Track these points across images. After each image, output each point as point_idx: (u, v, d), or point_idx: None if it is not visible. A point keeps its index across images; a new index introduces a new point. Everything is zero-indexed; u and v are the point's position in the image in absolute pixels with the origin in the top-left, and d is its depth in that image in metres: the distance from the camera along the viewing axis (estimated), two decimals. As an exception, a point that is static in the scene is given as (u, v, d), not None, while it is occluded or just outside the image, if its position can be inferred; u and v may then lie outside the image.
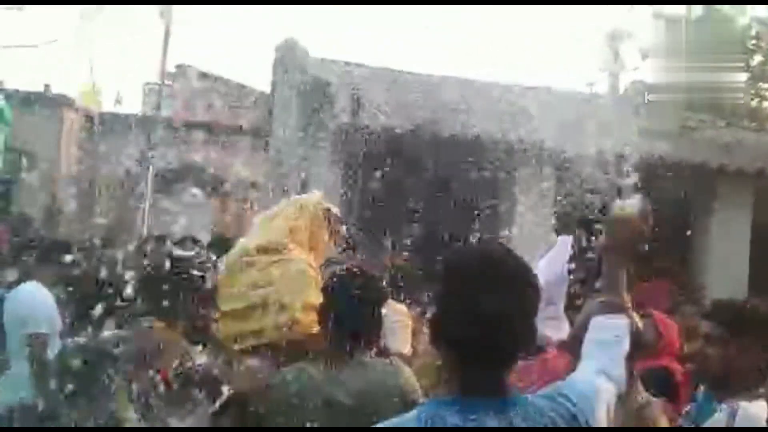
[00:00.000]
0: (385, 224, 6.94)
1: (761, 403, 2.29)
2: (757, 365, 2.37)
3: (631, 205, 1.94)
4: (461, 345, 1.56)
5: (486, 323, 1.53)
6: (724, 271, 7.80)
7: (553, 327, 2.84)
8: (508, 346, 1.58)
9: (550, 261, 3.01)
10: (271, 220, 3.07)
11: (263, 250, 2.91)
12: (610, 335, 1.85)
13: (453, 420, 1.51)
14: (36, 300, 4.56)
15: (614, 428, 1.76)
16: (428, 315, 1.73)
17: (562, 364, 2.54)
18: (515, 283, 1.59)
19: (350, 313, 2.50)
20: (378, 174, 6.97)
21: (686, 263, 8.11)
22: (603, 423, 1.65)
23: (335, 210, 3.20)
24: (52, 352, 4.18)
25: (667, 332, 4.45)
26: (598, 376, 1.73)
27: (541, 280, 2.86)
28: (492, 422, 1.51)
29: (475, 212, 8.08)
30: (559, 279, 2.98)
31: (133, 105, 20.81)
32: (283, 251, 2.90)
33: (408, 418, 1.59)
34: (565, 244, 3.06)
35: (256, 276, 2.86)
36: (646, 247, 1.95)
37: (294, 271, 2.84)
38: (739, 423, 2.23)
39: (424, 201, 7.17)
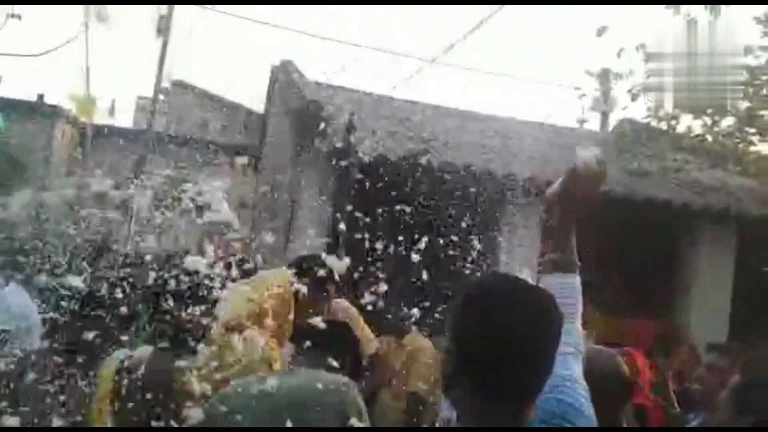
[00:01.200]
0: (374, 250, 6.99)
1: None
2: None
3: (589, 156, 1.81)
4: (485, 378, 1.50)
5: (512, 356, 1.48)
6: (706, 310, 7.90)
7: None
8: (533, 379, 1.53)
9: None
10: (238, 296, 3.06)
11: (229, 327, 2.92)
12: (563, 296, 1.75)
13: None
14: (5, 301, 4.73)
15: (614, 428, 1.80)
16: (446, 346, 1.59)
17: None
18: (541, 314, 1.53)
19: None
20: (368, 200, 7.04)
21: (670, 303, 8.20)
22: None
23: (303, 288, 3.19)
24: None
25: (642, 369, 4.59)
26: (576, 361, 1.72)
27: None
28: None
29: (465, 242, 8.15)
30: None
31: (125, 118, 20.85)
32: (244, 332, 2.91)
33: None
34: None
35: (219, 353, 2.89)
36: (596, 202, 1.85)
37: (254, 356, 2.88)
38: None
39: (414, 229, 7.23)
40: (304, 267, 3.53)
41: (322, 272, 3.31)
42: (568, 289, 1.79)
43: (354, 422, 2.55)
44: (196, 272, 3.02)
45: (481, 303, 1.52)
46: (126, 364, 2.70)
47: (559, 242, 1.83)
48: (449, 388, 1.57)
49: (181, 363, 2.73)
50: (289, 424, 2.47)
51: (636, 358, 4.66)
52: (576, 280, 1.82)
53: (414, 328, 5.83)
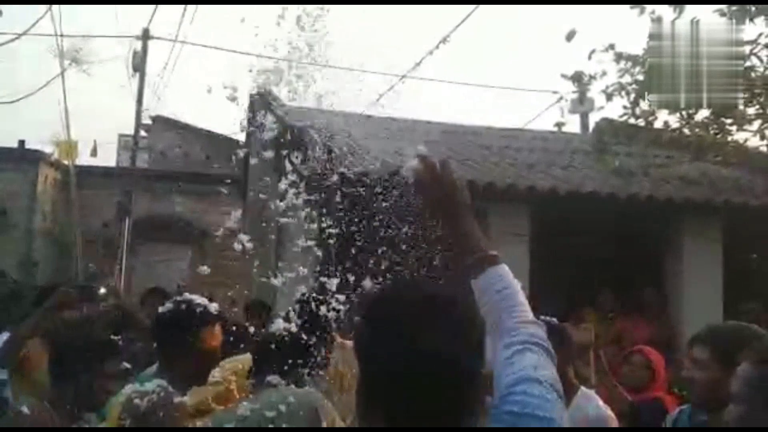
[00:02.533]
0: (361, 270, 6.99)
1: None
2: None
3: (413, 164, 1.81)
4: (401, 406, 1.30)
5: (431, 379, 1.29)
6: (698, 303, 7.92)
7: None
8: (459, 400, 1.33)
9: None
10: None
11: (198, 411, 2.92)
12: (497, 291, 1.65)
13: None
14: None
15: (615, 428, 1.72)
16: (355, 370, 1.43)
17: None
18: (459, 324, 1.35)
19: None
20: (353, 221, 7.04)
21: (659, 297, 8.22)
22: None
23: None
24: None
25: (657, 366, 4.62)
26: (521, 356, 1.53)
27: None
28: None
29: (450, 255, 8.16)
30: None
31: (109, 157, 20.82)
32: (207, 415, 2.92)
33: None
34: None
35: None
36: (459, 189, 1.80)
37: None
38: None
39: (400, 248, 7.23)
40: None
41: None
42: (498, 283, 1.65)
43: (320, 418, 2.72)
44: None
45: (386, 320, 1.35)
46: (134, 395, 2.72)
47: (463, 246, 1.73)
48: (362, 416, 1.38)
49: (182, 399, 2.76)
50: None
51: (650, 355, 4.70)
52: (502, 269, 1.68)
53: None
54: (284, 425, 2.65)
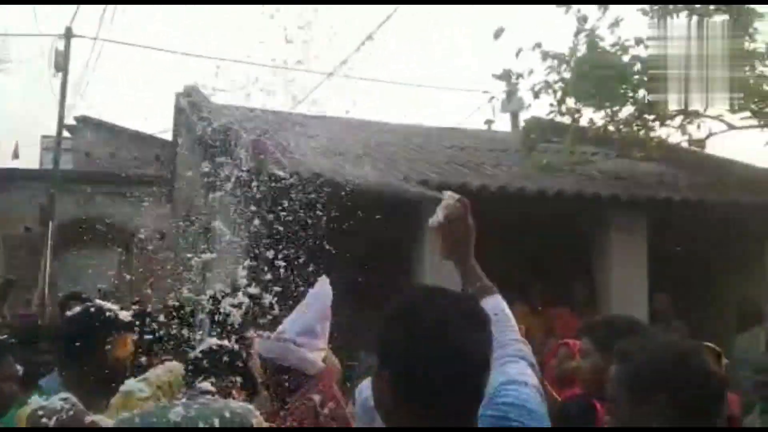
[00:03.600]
0: (290, 272, 6.90)
1: None
2: None
3: (446, 202, 2.08)
4: (431, 398, 1.44)
5: (456, 371, 1.43)
6: (624, 296, 8.09)
7: (318, 358, 3.36)
8: (479, 390, 1.50)
9: (317, 298, 3.48)
10: (131, 397, 2.95)
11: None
12: (494, 314, 1.83)
13: None
14: None
15: (618, 428, 1.81)
16: (378, 369, 1.51)
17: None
18: (476, 322, 1.51)
19: None
20: (283, 220, 6.94)
21: (588, 291, 8.36)
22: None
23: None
24: None
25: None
26: (514, 364, 1.81)
27: (312, 315, 3.40)
28: None
29: (390, 254, 8.15)
30: (326, 314, 3.48)
31: (32, 159, 20.13)
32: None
33: None
34: (325, 282, 3.55)
35: None
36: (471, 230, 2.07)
37: None
38: None
39: (330, 247, 7.17)
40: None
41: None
42: (496, 309, 1.94)
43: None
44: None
45: (415, 320, 1.48)
46: (39, 412, 2.55)
47: (468, 277, 2.03)
48: (388, 413, 1.50)
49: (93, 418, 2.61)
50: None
51: (575, 348, 4.70)
52: (497, 298, 2.01)
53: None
54: None
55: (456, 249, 2.06)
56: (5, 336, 4.31)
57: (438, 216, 2.05)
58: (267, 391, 3.38)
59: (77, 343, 2.69)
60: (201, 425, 2.53)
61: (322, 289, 3.53)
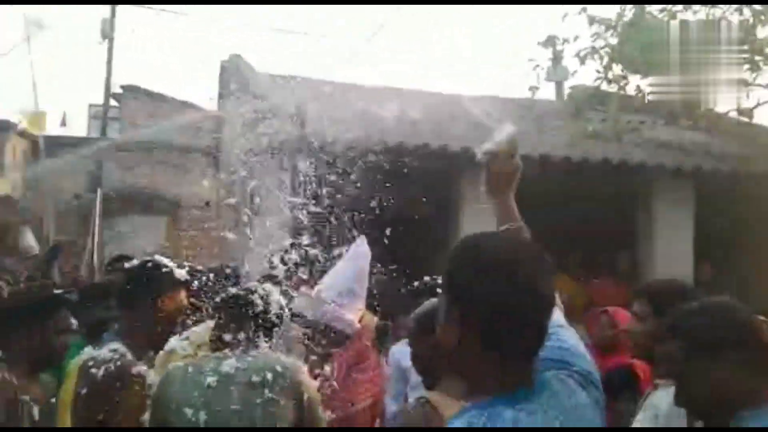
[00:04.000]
0: (335, 237, 6.96)
1: None
2: None
3: (499, 139, 2.01)
4: (503, 341, 1.45)
5: (528, 313, 1.45)
6: (669, 267, 7.98)
7: (355, 318, 3.41)
8: (544, 332, 1.51)
9: (356, 258, 3.39)
10: (175, 354, 3.13)
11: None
12: None
13: (506, 413, 1.41)
14: None
15: (627, 428, 1.81)
16: (448, 316, 1.49)
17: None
18: (544, 264, 1.51)
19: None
20: (327, 187, 7.00)
21: (631, 262, 8.28)
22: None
23: None
24: None
25: (623, 327, 4.59)
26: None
27: (351, 275, 3.41)
28: (537, 410, 1.44)
29: (426, 222, 8.16)
30: (364, 274, 3.53)
31: (80, 127, 20.51)
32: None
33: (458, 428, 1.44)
34: (363, 241, 3.60)
35: None
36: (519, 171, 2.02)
37: None
38: None
39: (372, 213, 7.21)
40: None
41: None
42: None
43: (309, 404, 2.67)
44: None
45: (485, 257, 1.48)
46: (90, 363, 2.64)
47: (505, 216, 1.97)
48: (456, 359, 1.51)
49: (140, 369, 2.69)
50: (247, 405, 2.55)
51: (616, 316, 4.66)
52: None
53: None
54: (267, 393, 2.58)
55: (499, 186, 2.00)
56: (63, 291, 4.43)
57: (490, 146, 2.00)
58: (305, 347, 3.43)
59: (135, 294, 2.75)
60: (254, 378, 2.58)
61: (361, 248, 3.55)
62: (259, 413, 2.55)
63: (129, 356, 2.58)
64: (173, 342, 3.08)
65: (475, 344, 1.46)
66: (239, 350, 2.68)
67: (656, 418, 2.51)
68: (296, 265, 3.90)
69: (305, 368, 2.79)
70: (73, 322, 2.84)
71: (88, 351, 2.75)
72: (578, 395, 1.52)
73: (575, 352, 1.64)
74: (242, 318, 2.74)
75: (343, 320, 3.37)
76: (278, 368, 2.64)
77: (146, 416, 2.55)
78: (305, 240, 3.79)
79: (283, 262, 3.63)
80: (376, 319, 4.04)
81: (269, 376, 2.60)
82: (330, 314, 3.34)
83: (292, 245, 3.77)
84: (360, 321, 3.55)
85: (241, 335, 2.72)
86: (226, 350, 2.69)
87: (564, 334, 1.69)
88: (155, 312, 2.75)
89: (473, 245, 1.55)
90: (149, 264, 2.86)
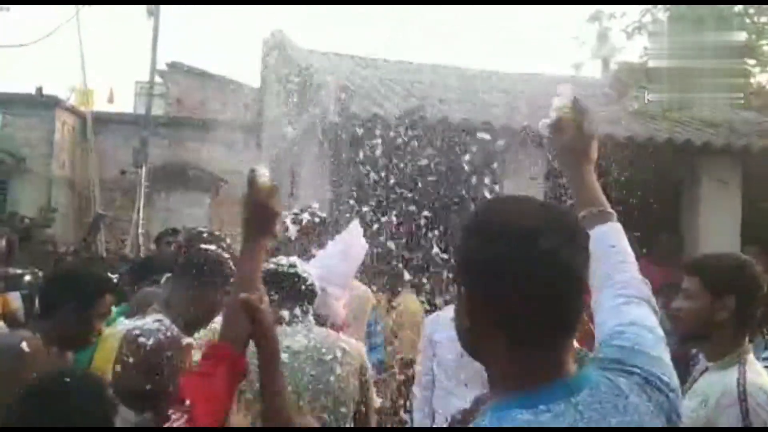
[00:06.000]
0: (376, 213, 6.99)
1: None
2: None
3: (561, 103, 1.77)
4: (530, 323, 1.22)
5: (558, 291, 1.22)
6: (714, 250, 7.81)
7: (342, 308, 3.19)
8: (576, 316, 1.27)
9: (349, 244, 3.32)
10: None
11: None
12: (608, 246, 1.59)
13: (523, 416, 1.19)
14: None
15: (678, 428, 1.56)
16: (469, 292, 1.26)
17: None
18: (579, 234, 1.27)
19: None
20: (368, 163, 7.01)
21: (674, 244, 8.13)
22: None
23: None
24: None
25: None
26: (638, 307, 1.49)
27: (347, 263, 3.23)
28: (567, 410, 1.21)
29: (467, 198, 8.12)
30: (357, 260, 3.33)
31: (126, 104, 20.80)
32: None
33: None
34: (356, 227, 3.37)
35: None
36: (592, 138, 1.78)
37: None
38: None
39: (415, 188, 7.21)
40: None
41: None
42: (612, 238, 1.63)
43: (369, 385, 2.71)
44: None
45: (498, 228, 1.24)
46: (136, 332, 2.63)
47: (582, 197, 1.71)
48: (479, 341, 1.27)
49: (189, 341, 2.69)
50: (313, 381, 2.55)
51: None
52: (615, 226, 1.66)
53: (408, 288, 5.77)
54: (338, 369, 2.57)
55: (568, 158, 1.74)
56: (111, 270, 4.52)
57: (551, 117, 1.76)
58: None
59: (202, 276, 2.74)
60: (326, 355, 2.57)
61: (354, 233, 3.36)
62: (331, 389, 2.56)
63: (175, 329, 2.58)
64: (218, 321, 3.06)
65: (486, 328, 1.24)
66: (301, 326, 2.66)
67: (704, 405, 2.33)
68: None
69: (364, 349, 2.78)
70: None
71: (125, 321, 2.74)
72: (632, 398, 1.27)
73: (639, 351, 1.36)
74: (293, 294, 2.72)
75: (333, 310, 3.22)
76: (345, 346, 2.64)
77: None
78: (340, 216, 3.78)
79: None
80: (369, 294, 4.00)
81: (338, 353, 2.60)
82: (322, 303, 3.20)
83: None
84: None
85: (297, 311, 2.70)
86: (285, 327, 2.64)
87: (634, 332, 1.41)
88: (212, 295, 2.71)
89: (486, 209, 1.34)
90: (223, 250, 2.87)
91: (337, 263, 3.21)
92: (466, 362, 2.59)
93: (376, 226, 6.54)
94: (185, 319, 2.69)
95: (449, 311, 4.33)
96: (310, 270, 2.90)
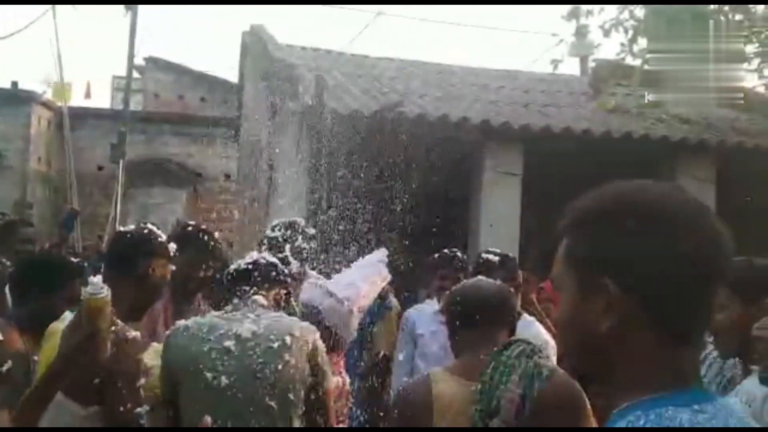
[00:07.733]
0: (351, 207, 6.98)
1: None
2: None
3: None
4: (678, 318, 1.13)
5: (705, 286, 1.14)
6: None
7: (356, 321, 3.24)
8: (710, 312, 1.19)
9: (369, 265, 3.39)
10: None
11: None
12: None
13: (684, 415, 1.09)
14: None
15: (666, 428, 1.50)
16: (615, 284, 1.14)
17: None
18: (711, 215, 1.18)
19: None
20: (345, 157, 7.00)
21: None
22: None
23: None
24: None
25: None
26: None
27: (367, 287, 3.23)
28: (718, 411, 1.12)
29: (443, 192, 8.14)
30: (376, 286, 3.37)
31: (103, 99, 20.62)
32: None
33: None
34: (382, 254, 3.43)
35: None
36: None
37: None
38: None
39: (389, 183, 7.21)
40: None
41: None
42: None
43: (323, 367, 2.65)
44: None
45: (643, 214, 1.14)
46: None
47: None
48: (619, 343, 1.15)
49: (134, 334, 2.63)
50: (259, 368, 2.52)
51: None
52: None
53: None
54: (286, 356, 2.53)
55: None
56: (78, 260, 4.47)
57: None
58: None
59: (122, 258, 2.65)
60: (273, 342, 2.54)
61: (379, 260, 3.38)
62: (278, 377, 2.53)
63: (120, 323, 2.49)
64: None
65: (636, 328, 1.13)
66: (253, 314, 2.64)
67: (748, 405, 2.21)
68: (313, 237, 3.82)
69: (317, 333, 2.75)
70: None
71: (67, 316, 2.69)
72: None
73: None
74: (247, 281, 2.72)
75: (349, 327, 3.18)
76: (296, 332, 2.61)
77: (142, 382, 2.47)
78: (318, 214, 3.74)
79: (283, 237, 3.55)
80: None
81: (288, 339, 2.57)
82: (340, 315, 3.16)
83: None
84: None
85: (248, 299, 2.69)
86: (236, 313, 2.64)
87: None
88: (138, 278, 2.61)
89: (621, 199, 1.20)
90: (144, 230, 2.73)
91: (359, 286, 3.21)
92: (449, 354, 2.59)
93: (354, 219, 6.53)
94: (124, 313, 2.61)
95: (431, 305, 4.34)
96: (333, 280, 3.06)
